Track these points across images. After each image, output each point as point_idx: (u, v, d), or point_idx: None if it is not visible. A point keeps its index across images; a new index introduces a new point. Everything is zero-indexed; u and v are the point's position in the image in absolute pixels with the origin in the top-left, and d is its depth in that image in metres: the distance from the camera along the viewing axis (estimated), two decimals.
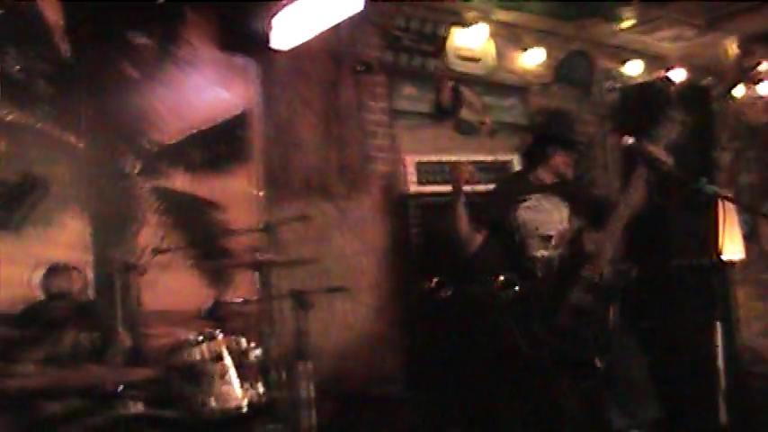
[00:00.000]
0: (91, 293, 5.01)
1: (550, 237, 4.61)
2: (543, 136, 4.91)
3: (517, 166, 6.02)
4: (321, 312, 5.87)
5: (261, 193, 5.69)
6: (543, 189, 4.75)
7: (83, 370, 4.13)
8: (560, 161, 4.76)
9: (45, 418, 3.92)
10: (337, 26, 5.74)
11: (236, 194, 5.69)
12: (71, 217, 5.17)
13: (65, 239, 5.10)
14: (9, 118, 5.03)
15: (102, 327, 4.52)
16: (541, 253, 4.61)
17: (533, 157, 4.89)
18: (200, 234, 5.51)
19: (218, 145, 5.72)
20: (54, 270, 4.54)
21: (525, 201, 4.71)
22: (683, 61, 7.55)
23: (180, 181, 5.58)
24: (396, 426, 5.29)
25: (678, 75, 7.55)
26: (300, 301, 4.46)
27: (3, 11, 5.00)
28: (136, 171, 5.44)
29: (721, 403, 4.04)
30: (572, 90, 7.27)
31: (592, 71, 7.39)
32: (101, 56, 5.35)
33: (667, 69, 7.64)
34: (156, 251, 4.78)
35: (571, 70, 7.22)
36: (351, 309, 5.95)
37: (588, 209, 4.67)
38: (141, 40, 5.52)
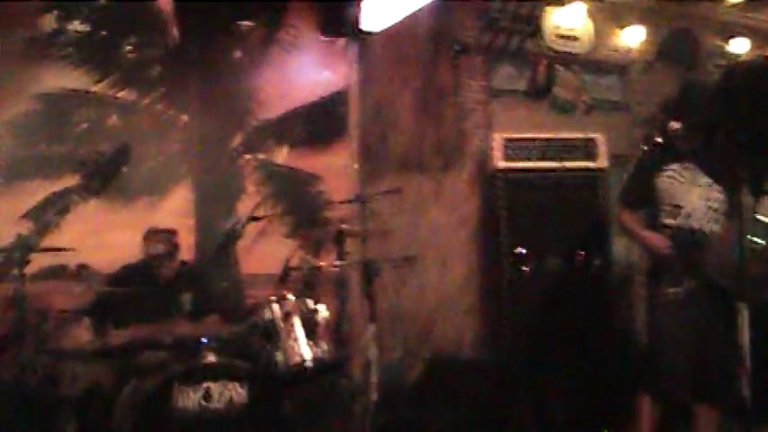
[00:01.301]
0: (193, 256, 5.54)
1: (680, 207, 4.73)
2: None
3: (603, 145, 6.18)
4: (416, 279, 6.25)
5: (357, 167, 6.05)
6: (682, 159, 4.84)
7: (173, 324, 4.62)
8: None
9: (137, 365, 4.45)
10: (436, 8, 6.04)
11: (335, 168, 6.08)
12: (179, 187, 5.71)
13: (172, 207, 5.65)
14: (125, 97, 5.62)
15: (197, 286, 5.02)
16: (670, 221, 4.76)
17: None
18: (299, 204, 5.94)
19: (318, 122, 6.12)
20: (152, 233, 5.04)
21: (665, 171, 4.85)
22: None
23: (282, 155, 6.03)
24: (476, 389, 5.57)
25: None
26: (368, 269, 4.80)
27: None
28: (240, 146, 5.93)
29: None
30: (676, 68, 7.27)
31: (697, 49, 7.36)
32: (209, 40, 5.85)
33: None
34: (251, 219, 5.17)
35: (675, 48, 7.21)
36: (443, 277, 6.25)
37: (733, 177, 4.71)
38: (247, 25, 6.00)
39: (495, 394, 5.51)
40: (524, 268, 5.84)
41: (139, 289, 4.75)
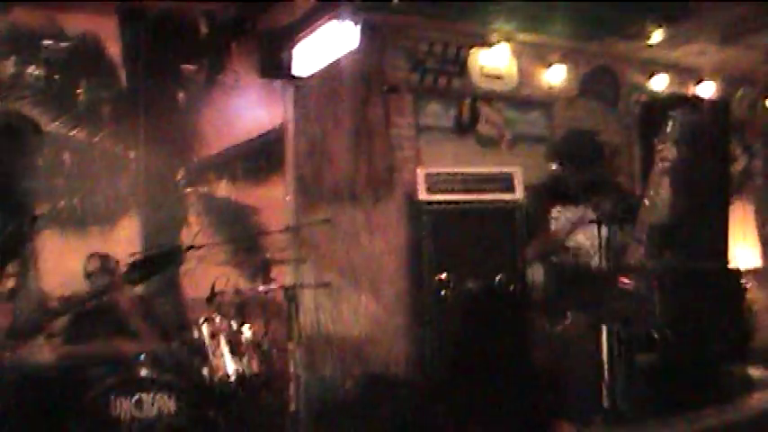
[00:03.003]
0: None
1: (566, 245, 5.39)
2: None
3: (519, 177, 6.70)
4: (350, 303, 6.77)
5: (292, 199, 6.58)
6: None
7: (113, 343, 5.15)
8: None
9: (79, 380, 4.97)
10: (366, 50, 6.58)
11: (271, 200, 6.62)
12: (128, 217, 6.26)
13: (121, 236, 6.19)
14: (77, 135, 6.17)
15: (140, 308, 5.55)
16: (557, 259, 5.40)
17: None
18: (235, 233, 6.49)
19: (256, 157, 6.66)
20: (93, 258, 5.55)
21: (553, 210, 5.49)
22: (711, 74, 8.02)
23: (221, 188, 6.58)
24: (402, 405, 6.07)
25: (707, 88, 8.01)
26: (288, 293, 5.36)
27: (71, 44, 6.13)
28: (183, 179, 6.47)
29: None
30: (597, 103, 7.83)
31: (617, 85, 7.93)
32: (155, 83, 6.40)
33: (697, 83, 8.11)
34: (190, 247, 5.69)
35: (596, 84, 7.77)
36: (374, 300, 6.77)
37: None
38: (191, 68, 6.55)
39: (420, 411, 6.01)
40: (446, 292, 6.35)
41: (86, 310, 5.28)
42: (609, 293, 4.95)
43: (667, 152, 5.04)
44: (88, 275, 5.50)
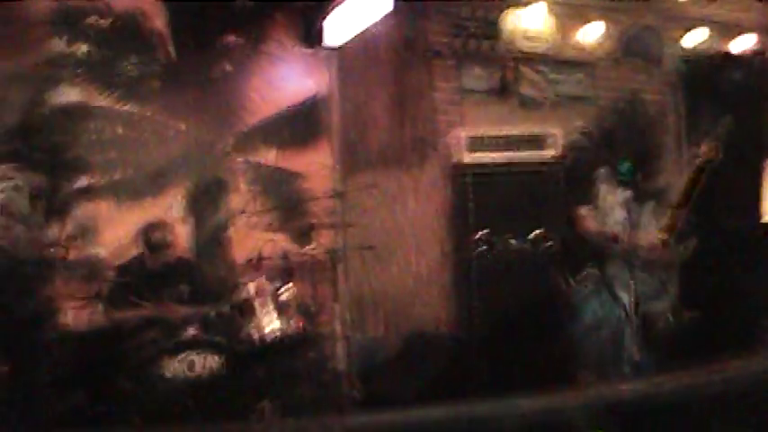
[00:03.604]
0: (190, 248, 6.32)
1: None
2: None
3: (560, 138, 6.75)
4: (394, 264, 6.92)
5: (337, 165, 6.74)
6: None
7: (166, 306, 5.37)
8: None
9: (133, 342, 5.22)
10: (409, 16, 6.67)
11: (316, 166, 6.79)
12: (178, 186, 6.48)
13: (172, 204, 6.42)
14: (128, 109, 6.40)
15: (190, 273, 5.76)
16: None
17: None
18: (282, 199, 6.68)
19: (301, 124, 6.83)
20: (151, 227, 5.72)
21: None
22: (754, 29, 7.92)
23: (268, 156, 6.76)
24: (445, 362, 6.23)
25: (749, 42, 7.92)
26: (333, 256, 5.54)
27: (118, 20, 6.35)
28: (231, 149, 6.67)
29: None
30: (641, 63, 7.80)
31: (661, 44, 7.88)
32: (201, 55, 6.58)
33: (739, 38, 8.01)
34: (241, 213, 5.91)
35: (639, 43, 7.74)
36: (419, 262, 6.91)
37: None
38: (235, 40, 6.73)
39: (463, 365, 6.17)
40: (487, 250, 6.46)
41: (140, 277, 5.51)
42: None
43: (713, 152, 5.05)
44: (144, 242, 5.73)
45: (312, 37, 6.58)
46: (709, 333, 5.25)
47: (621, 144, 5.67)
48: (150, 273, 5.60)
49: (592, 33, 7.49)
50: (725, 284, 5.86)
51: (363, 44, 6.62)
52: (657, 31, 7.88)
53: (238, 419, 4.88)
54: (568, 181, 6.43)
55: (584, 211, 5.40)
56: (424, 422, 2.74)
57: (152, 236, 5.74)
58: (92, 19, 6.22)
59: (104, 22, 6.25)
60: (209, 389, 4.98)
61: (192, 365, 5.00)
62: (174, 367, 4.98)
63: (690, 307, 5.26)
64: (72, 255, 5.73)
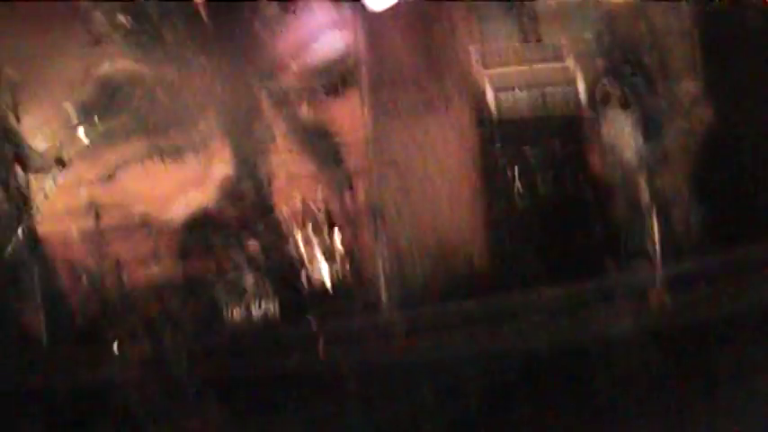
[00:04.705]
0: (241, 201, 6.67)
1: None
2: None
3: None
4: (430, 207, 7.17)
5: (371, 116, 6.99)
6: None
7: (230, 258, 5.72)
8: None
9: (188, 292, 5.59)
10: None
11: (350, 116, 7.05)
12: (219, 144, 6.78)
13: (215, 162, 6.74)
14: (167, 75, 6.68)
15: (250, 227, 6.10)
16: None
17: None
18: (320, 150, 6.97)
19: (334, 76, 7.07)
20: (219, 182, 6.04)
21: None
22: None
23: (303, 109, 7.03)
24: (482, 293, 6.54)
25: None
26: (372, 203, 5.86)
27: None
28: (268, 105, 6.94)
29: None
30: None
31: None
32: (234, 16, 6.84)
33: None
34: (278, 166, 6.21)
35: None
36: (453, 202, 7.17)
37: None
38: None
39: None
40: (518, 190, 6.73)
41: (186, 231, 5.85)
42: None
43: None
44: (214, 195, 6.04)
45: None
46: None
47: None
48: (216, 224, 5.95)
49: None
50: None
51: None
52: None
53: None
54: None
55: None
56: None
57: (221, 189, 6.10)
58: None
59: None
60: (265, 337, 5.38)
61: (248, 311, 5.37)
62: (232, 314, 5.36)
63: None
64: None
